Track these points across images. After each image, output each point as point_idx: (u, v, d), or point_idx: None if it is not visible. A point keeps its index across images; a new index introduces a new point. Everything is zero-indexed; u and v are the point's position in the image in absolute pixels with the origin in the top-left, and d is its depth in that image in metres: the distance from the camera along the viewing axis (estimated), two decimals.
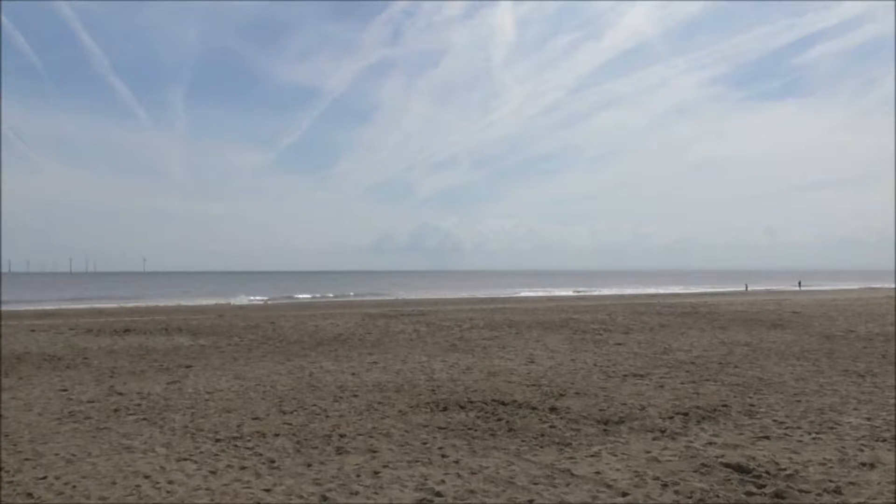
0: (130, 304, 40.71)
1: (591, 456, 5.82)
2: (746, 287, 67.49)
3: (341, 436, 6.62)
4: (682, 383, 9.47)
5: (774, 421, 7.06)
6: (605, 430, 6.80)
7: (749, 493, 4.78)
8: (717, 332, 17.07)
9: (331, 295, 58.74)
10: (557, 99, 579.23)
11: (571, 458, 5.78)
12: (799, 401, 8.11)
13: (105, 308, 35.85)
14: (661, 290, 62.53)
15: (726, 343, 14.42)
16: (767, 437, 6.37)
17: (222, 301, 45.02)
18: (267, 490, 5.00)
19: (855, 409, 7.56)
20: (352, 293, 61.03)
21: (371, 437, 6.59)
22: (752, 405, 7.89)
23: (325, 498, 4.81)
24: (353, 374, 10.67)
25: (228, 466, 5.62)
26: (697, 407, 7.80)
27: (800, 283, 78.08)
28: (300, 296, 57.57)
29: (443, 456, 5.88)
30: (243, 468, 5.56)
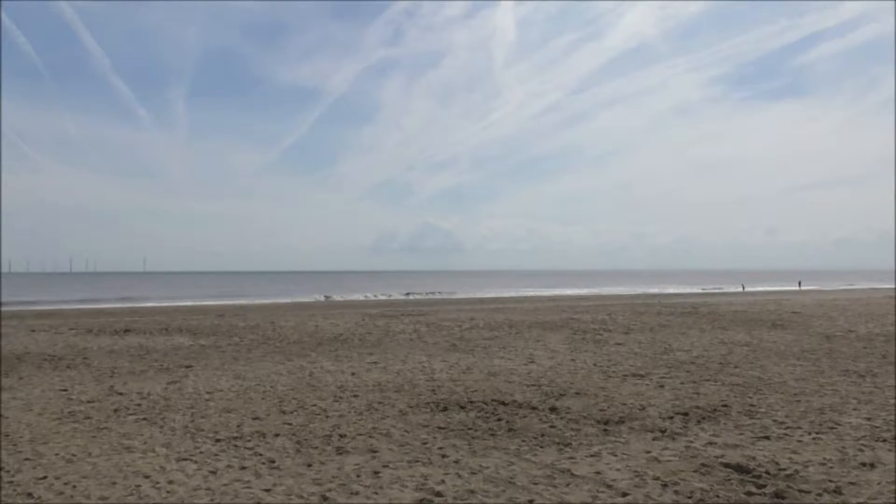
0: (130, 305, 40.74)
1: (591, 456, 5.82)
2: (743, 287, 67.49)
3: (341, 436, 6.62)
4: (683, 383, 9.47)
5: (774, 421, 7.06)
6: (605, 430, 6.80)
7: (749, 493, 4.78)
8: (717, 332, 17.07)
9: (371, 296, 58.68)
10: (558, 99, 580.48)
11: (571, 458, 5.78)
12: (799, 401, 8.11)
13: (105, 308, 35.87)
14: (661, 290, 62.54)
15: (726, 343, 14.42)
16: (767, 437, 6.37)
17: (281, 301, 45.39)
18: (267, 490, 5.00)
19: (855, 409, 7.56)
20: (407, 293, 60.73)
21: (371, 437, 6.59)
22: (752, 405, 7.89)
23: (325, 498, 4.81)
24: (353, 374, 10.67)
25: (228, 466, 5.62)
26: (697, 407, 7.80)
27: (800, 283, 78.12)
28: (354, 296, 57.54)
29: (443, 456, 5.88)
30: (243, 468, 5.56)
